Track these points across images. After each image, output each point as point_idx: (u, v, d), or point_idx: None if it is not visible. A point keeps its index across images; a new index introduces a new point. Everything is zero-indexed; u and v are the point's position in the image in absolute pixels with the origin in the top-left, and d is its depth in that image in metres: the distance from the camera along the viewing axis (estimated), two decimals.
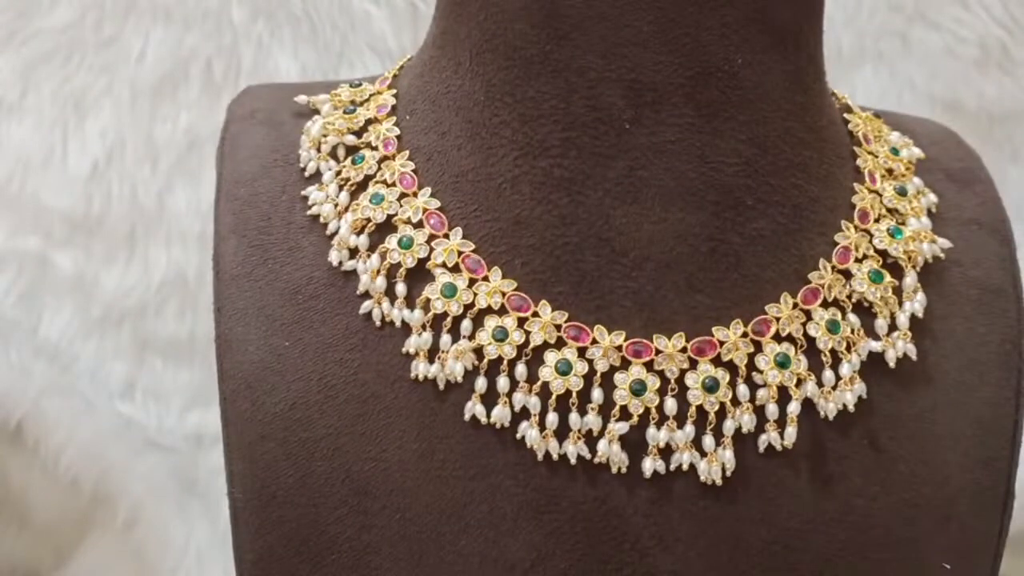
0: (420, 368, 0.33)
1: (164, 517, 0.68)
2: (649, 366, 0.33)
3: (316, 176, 0.37)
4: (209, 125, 0.70)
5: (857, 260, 0.35)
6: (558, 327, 0.33)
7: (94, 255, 0.69)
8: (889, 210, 0.37)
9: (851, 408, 0.34)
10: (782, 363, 0.33)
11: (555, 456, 0.33)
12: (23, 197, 0.69)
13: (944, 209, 0.38)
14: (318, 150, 0.37)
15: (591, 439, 0.33)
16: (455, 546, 0.33)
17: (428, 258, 0.34)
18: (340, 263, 0.35)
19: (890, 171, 0.38)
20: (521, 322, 0.33)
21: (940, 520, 0.34)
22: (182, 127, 0.70)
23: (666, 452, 0.33)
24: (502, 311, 0.34)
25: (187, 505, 0.69)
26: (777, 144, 0.35)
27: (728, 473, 0.33)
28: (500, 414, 0.33)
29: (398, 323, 0.34)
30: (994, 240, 0.38)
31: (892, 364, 0.35)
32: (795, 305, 0.34)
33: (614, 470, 0.33)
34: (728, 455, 0.33)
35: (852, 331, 0.34)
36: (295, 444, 0.33)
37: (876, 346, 0.35)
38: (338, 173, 0.36)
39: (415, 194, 0.35)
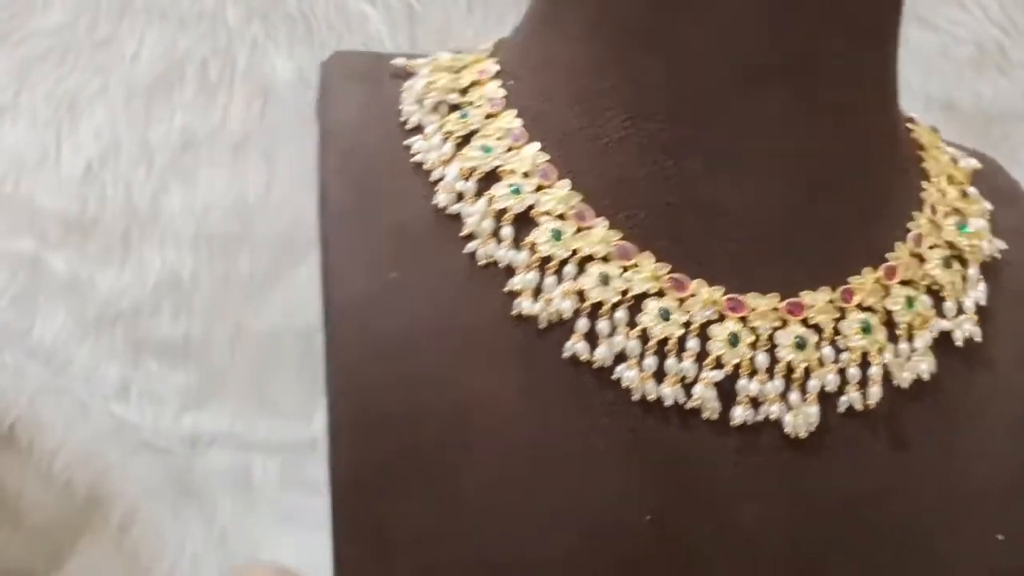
0: (524, 305, 0.34)
1: (159, 519, 0.68)
2: (743, 321, 0.35)
3: (418, 129, 0.38)
4: (204, 126, 0.70)
5: (929, 247, 0.38)
6: (659, 278, 0.35)
7: (88, 256, 0.69)
8: (953, 209, 0.39)
9: (925, 378, 0.36)
10: (865, 329, 0.35)
11: (651, 398, 0.34)
12: (17, 198, 0.69)
13: (994, 217, 0.41)
14: (420, 105, 0.38)
15: (685, 386, 0.34)
16: (550, 478, 0.34)
17: (535, 206, 0.36)
18: (446, 206, 0.36)
19: (950, 177, 0.40)
20: (624, 270, 0.35)
21: (996, 492, 0.36)
22: (177, 128, 0.70)
23: (755, 404, 0.34)
24: (605, 259, 0.35)
25: (182, 507, 0.69)
26: (864, 132, 0.37)
27: (812, 428, 0.34)
28: (602, 354, 0.34)
29: (503, 264, 0.35)
30: None
31: (959, 343, 0.37)
32: (876, 280, 0.36)
33: (705, 415, 0.34)
34: (812, 410, 0.34)
35: (925, 309, 0.36)
36: (399, 369, 0.34)
37: (946, 325, 0.37)
38: (441, 127, 0.38)
39: (523, 147, 0.37)
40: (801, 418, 0.34)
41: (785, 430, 0.34)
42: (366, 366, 0.34)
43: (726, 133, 0.35)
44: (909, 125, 0.41)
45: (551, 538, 0.33)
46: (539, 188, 0.36)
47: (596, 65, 0.36)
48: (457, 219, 0.36)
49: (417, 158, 0.37)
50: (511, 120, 0.37)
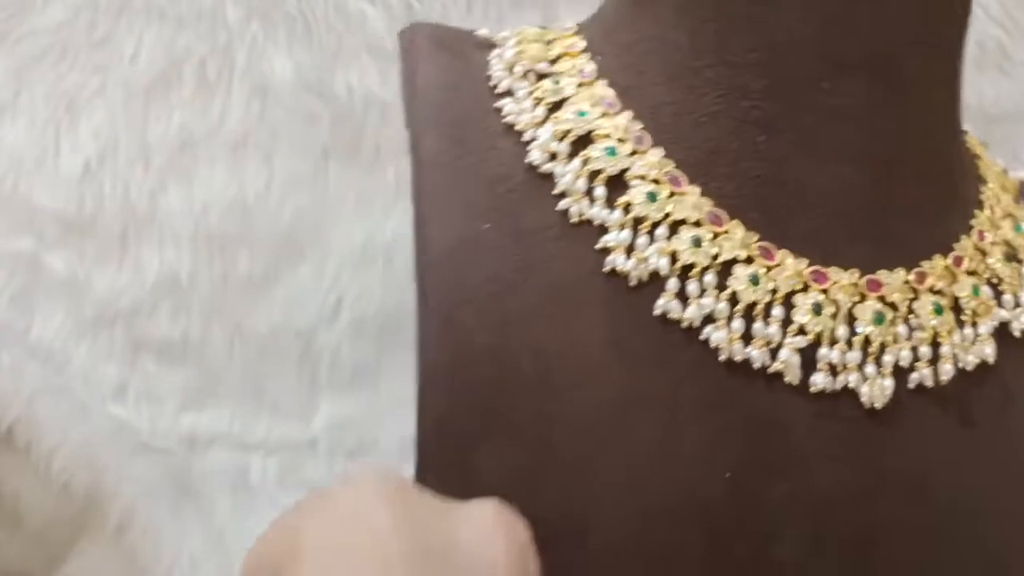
0: (618, 261, 0.36)
1: (157, 520, 0.67)
2: (825, 293, 0.36)
3: (507, 94, 0.40)
4: (203, 125, 0.70)
5: (990, 243, 0.40)
6: (748, 246, 0.36)
7: (87, 256, 0.69)
8: (1007, 213, 0.42)
9: (990, 361, 0.38)
10: (937, 310, 0.37)
11: (737, 359, 0.35)
12: (15, 198, 0.69)
13: None
14: (510, 72, 0.40)
15: (771, 350, 0.36)
16: (632, 429, 0.35)
17: (629, 169, 0.37)
18: (539, 165, 0.37)
19: (1003, 185, 0.43)
20: (715, 236, 0.36)
21: None
22: (176, 127, 0.70)
23: (832, 373, 0.36)
24: (697, 224, 0.36)
25: (180, 508, 0.68)
26: (937, 131, 0.39)
27: (887, 400, 0.36)
28: (693, 313, 0.35)
29: (596, 222, 0.36)
30: None
31: (1017, 334, 0.39)
32: (945, 267, 0.38)
33: (787, 379, 0.36)
34: (888, 383, 0.36)
35: (987, 298, 0.39)
36: (491, 314, 0.35)
37: (1005, 315, 0.39)
38: (531, 93, 0.39)
39: (617, 115, 0.38)
40: (877, 389, 0.36)
41: (861, 399, 0.36)
42: (459, 310, 0.35)
43: (814, 116, 0.37)
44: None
45: (633, 491, 0.34)
46: (633, 153, 0.37)
47: (691, 45, 0.37)
48: (549, 178, 0.37)
49: (508, 119, 0.39)
50: (603, 89, 0.39)
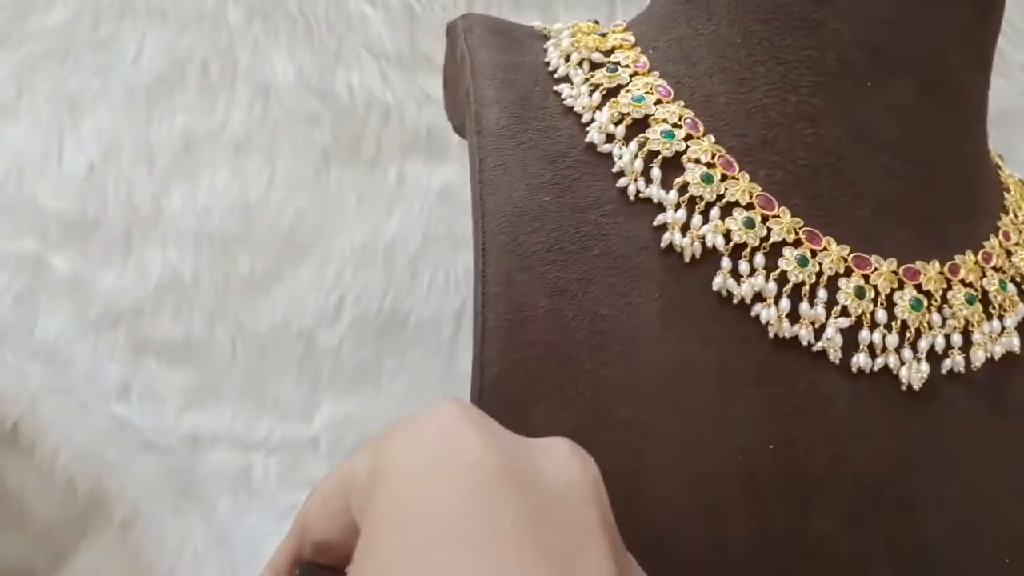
0: (675, 237, 0.37)
1: (160, 518, 0.68)
2: (866, 279, 0.38)
3: (565, 80, 0.41)
4: (205, 126, 0.70)
5: (1015, 244, 0.42)
6: (795, 230, 0.38)
7: (90, 256, 0.69)
8: None
9: (1016, 351, 0.39)
10: (970, 301, 0.39)
11: (785, 336, 0.37)
12: (19, 198, 0.69)
13: None
14: (567, 60, 0.42)
15: (816, 329, 0.37)
16: (683, 396, 0.36)
17: (684, 152, 0.38)
18: (597, 144, 0.39)
19: (1022, 195, 0.44)
20: (764, 219, 0.38)
21: None
22: (178, 128, 0.70)
23: (872, 355, 0.37)
24: (749, 207, 0.38)
25: (183, 506, 0.69)
26: (972, 135, 0.41)
27: (923, 382, 0.37)
28: (745, 290, 0.37)
29: (654, 200, 0.38)
30: None
31: None
32: (976, 262, 0.40)
33: (832, 357, 0.37)
34: (924, 367, 0.37)
35: (1014, 294, 0.40)
36: (550, 280, 0.37)
37: None
38: (587, 80, 0.41)
39: (671, 103, 0.40)
40: (915, 372, 0.37)
41: (900, 380, 0.37)
42: (519, 275, 0.37)
43: (861, 111, 0.38)
44: None
45: (681, 454, 0.36)
46: (687, 138, 0.39)
47: (743, 40, 0.39)
48: (607, 158, 0.39)
49: (567, 102, 0.40)
50: (657, 79, 0.40)
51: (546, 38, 0.44)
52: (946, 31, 0.38)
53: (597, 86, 0.41)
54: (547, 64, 0.42)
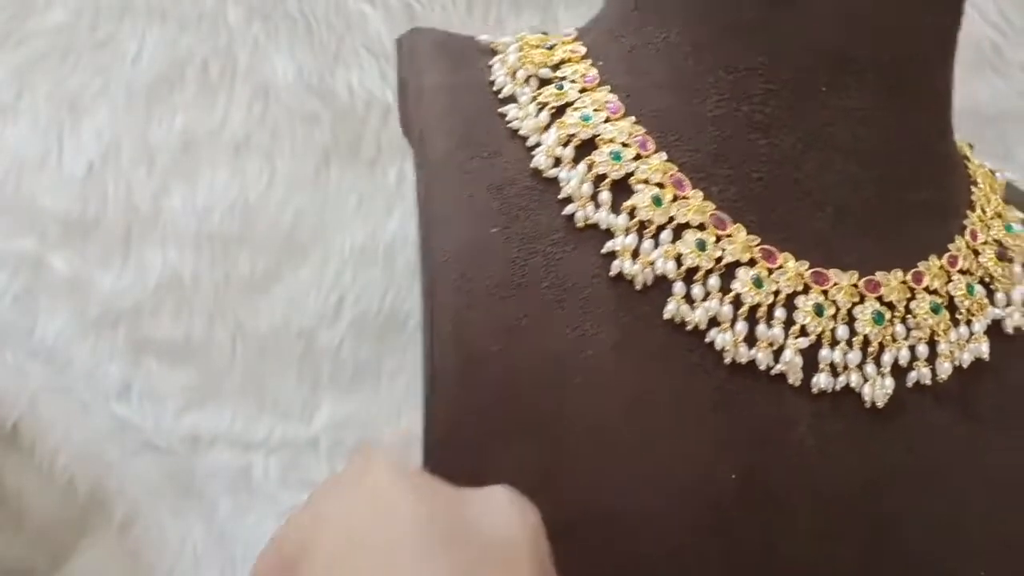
0: (625, 265, 0.36)
1: (160, 518, 0.68)
2: (825, 295, 0.37)
3: (510, 99, 0.40)
4: (205, 126, 0.70)
5: (982, 243, 0.40)
6: (750, 248, 0.37)
7: (89, 256, 0.69)
8: (997, 214, 0.42)
9: (985, 358, 0.38)
10: (934, 310, 0.38)
11: (742, 361, 0.36)
12: (18, 198, 0.69)
13: None
14: (513, 77, 0.40)
15: (774, 351, 0.36)
16: (641, 430, 0.35)
17: (632, 174, 0.37)
18: (544, 169, 0.38)
19: (991, 186, 0.43)
20: (718, 239, 0.37)
21: None
22: (178, 128, 0.70)
23: (834, 373, 0.36)
24: (701, 227, 0.37)
25: (183, 506, 0.69)
26: (937, 132, 0.40)
27: (887, 398, 0.36)
28: (699, 316, 0.36)
29: (602, 226, 0.37)
30: None
31: (1010, 331, 0.39)
32: (940, 266, 0.39)
33: (791, 380, 0.36)
34: (888, 382, 0.36)
35: (981, 297, 0.39)
36: (500, 317, 0.36)
37: (998, 313, 0.39)
38: (535, 98, 0.39)
39: (620, 120, 0.38)
40: (878, 388, 0.36)
41: (863, 399, 0.36)
42: (467, 315, 0.36)
43: (816, 118, 0.37)
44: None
45: (643, 492, 0.35)
46: (637, 157, 0.37)
47: (693, 48, 0.38)
48: (554, 183, 0.37)
49: (513, 124, 0.39)
50: (606, 95, 0.39)
51: (494, 53, 0.43)
52: (908, 26, 0.38)
53: (544, 105, 0.39)
54: (493, 83, 0.41)
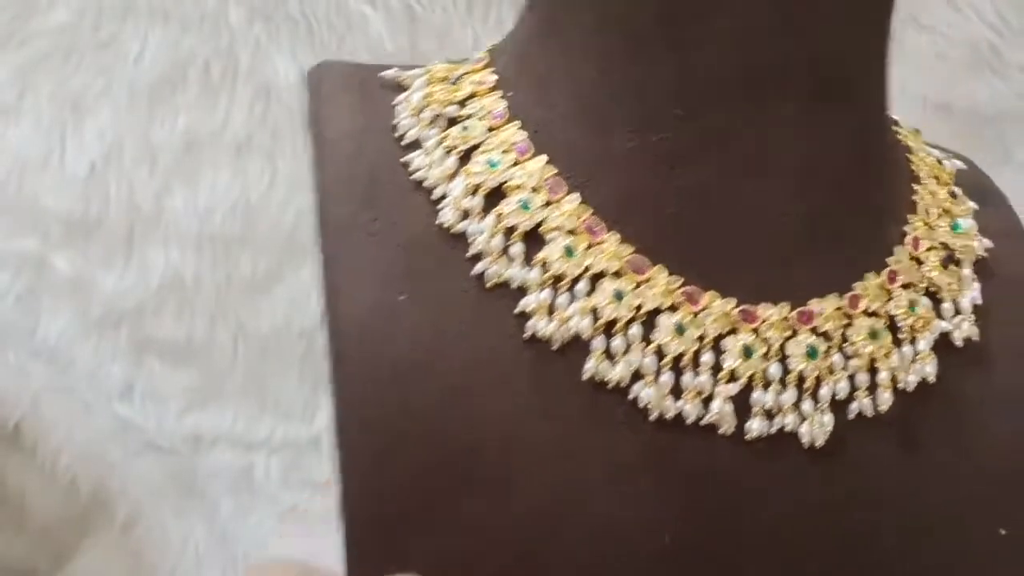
0: (539, 326, 0.34)
1: (162, 518, 0.68)
2: (755, 332, 0.35)
3: (416, 145, 0.37)
4: (207, 127, 0.71)
5: (926, 250, 0.38)
6: (672, 292, 0.35)
7: (92, 257, 0.69)
8: (943, 210, 0.40)
9: (931, 380, 0.36)
10: (873, 335, 0.36)
11: (669, 415, 0.34)
12: (21, 198, 0.69)
13: (978, 217, 0.41)
14: (418, 119, 0.38)
15: (703, 400, 0.34)
16: (571, 503, 0.33)
17: (544, 222, 0.35)
18: (451, 224, 0.35)
19: (936, 178, 0.41)
20: (637, 285, 0.35)
21: (1001, 488, 0.37)
22: (180, 129, 0.70)
23: (768, 416, 0.34)
24: (618, 274, 0.35)
25: (185, 506, 0.69)
26: (872, 135, 0.37)
27: (827, 436, 0.34)
28: (619, 373, 0.34)
29: (514, 284, 0.35)
30: (1021, 246, 0.42)
31: (959, 343, 0.37)
32: (879, 285, 0.36)
33: (722, 430, 0.34)
34: (827, 419, 0.34)
35: (925, 311, 0.37)
36: (412, 394, 0.33)
37: (946, 326, 0.37)
38: (441, 141, 0.37)
39: (529, 161, 0.36)
40: (817, 427, 0.34)
41: (802, 440, 0.34)
42: (378, 393, 0.33)
43: (736, 141, 0.35)
44: (894, 128, 0.41)
45: (575, 564, 0.33)
46: (548, 203, 0.35)
47: (600, 75, 0.35)
48: (463, 238, 0.35)
49: (418, 175, 0.36)
50: (515, 133, 0.36)
51: (402, 88, 0.40)
52: (828, 29, 0.35)
53: (451, 149, 0.37)
54: (396, 127, 0.38)
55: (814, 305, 0.35)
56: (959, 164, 0.42)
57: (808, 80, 0.35)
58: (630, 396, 0.34)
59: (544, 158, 0.36)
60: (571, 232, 0.35)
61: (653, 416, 0.34)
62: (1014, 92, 0.72)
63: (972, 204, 0.41)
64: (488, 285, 0.34)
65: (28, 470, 0.67)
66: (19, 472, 0.68)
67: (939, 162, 0.42)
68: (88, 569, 0.69)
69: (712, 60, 0.34)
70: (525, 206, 0.35)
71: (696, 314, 0.34)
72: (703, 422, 0.34)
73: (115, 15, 0.69)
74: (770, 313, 0.35)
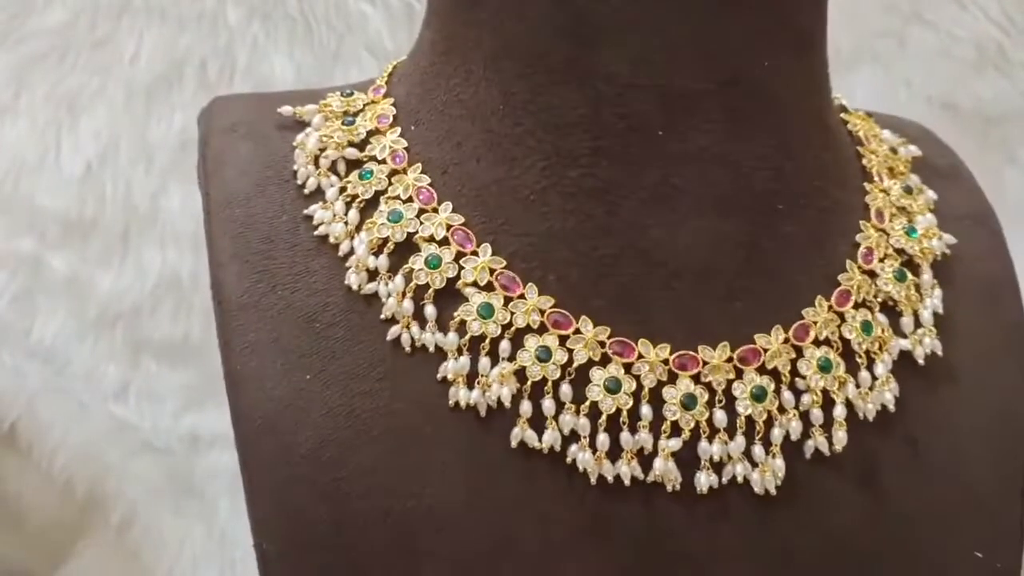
0: (460, 394, 0.32)
1: (159, 519, 0.68)
2: (696, 378, 0.32)
3: (317, 194, 0.35)
4: None
5: (879, 260, 0.35)
6: (602, 343, 0.32)
7: (88, 257, 0.69)
8: (899, 208, 0.37)
9: (891, 408, 0.34)
10: (824, 367, 0.33)
11: (609, 478, 0.32)
12: (17, 198, 0.69)
13: (939, 206, 0.39)
14: (316, 165, 0.35)
15: (643, 457, 0.32)
16: None
17: (458, 277, 0.33)
18: (359, 286, 0.33)
19: (891, 169, 0.38)
20: (563, 340, 0.32)
21: (971, 511, 0.35)
22: (176, 128, 0.70)
23: (718, 465, 0.32)
24: (542, 329, 0.32)
25: (182, 506, 0.69)
26: (801, 148, 0.34)
27: (779, 482, 0.32)
28: (550, 438, 0.31)
29: (431, 348, 0.32)
30: (985, 232, 0.39)
31: (921, 361, 0.35)
32: (829, 308, 0.34)
33: (668, 488, 0.32)
34: (779, 464, 0.32)
35: (882, 331, 0.34)
36: (328, 485, 0.31)
37: (906, 344, 0.35)
38: (343, 190, 0.34)
39: (435, 210, 0.33)
40: (768, 473, 0.32)
41: (754, 489, 0.32)
42: (292, 488, 0.31)
43: (656, 171, 0.32)
44: (843, 116, 0.39)
45: None
46: (459, 256, 0.33)
47: (506, 106, 0.33)
48: (374, 299, 0.33)
49: (321, 230, 0.34)
50: (418, 177, 0.34)
51: (302, 125, 0.36)
52: (750, 36, 0.32)
53: (354, 198, 0.34)
54: (296, 174, 0.35)
55: (759, 341, 0.33)
56: (914, 151, 0.40)
57: (724, 102, 0.32)
58: (568, 459, 0.31)
59: (450, 206, 0.33)
60: (487, 287, 0.32)
61: (593, 480, 0.31)
62: (1019, 91, 0.71)
63: (931, 194, 0.38)
64: (406, 351, 0.32)
65: (24, 471, 0.67)
66: (15, 473, 0.68)
67: (893, 151, 0.39)
68: (85, 570, 0.69)
69: (623, 82, 0.32)
70: (435, 263, 0.33)
71: (629, 366, 0.32)
72: (648, 479, 0.32)
73: (111, 14, 0.69)
74: (711, 356, 0.32)
